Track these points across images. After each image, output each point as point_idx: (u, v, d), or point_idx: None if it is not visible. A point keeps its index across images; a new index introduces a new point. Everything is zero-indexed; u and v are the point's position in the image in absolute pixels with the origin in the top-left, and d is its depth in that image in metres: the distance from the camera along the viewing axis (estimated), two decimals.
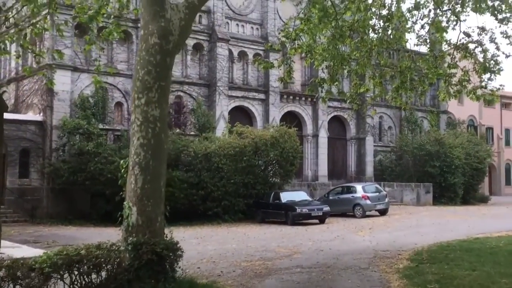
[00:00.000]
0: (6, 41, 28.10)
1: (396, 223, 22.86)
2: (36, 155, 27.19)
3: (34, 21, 25.00)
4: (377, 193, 26.88)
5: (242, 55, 34.77)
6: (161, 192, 8.64)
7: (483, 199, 42.13)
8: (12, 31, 28.99)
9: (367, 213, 26.31)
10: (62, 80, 27.41)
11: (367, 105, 39.03)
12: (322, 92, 15.35)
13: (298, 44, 15.11)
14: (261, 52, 35.13)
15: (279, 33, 16.58)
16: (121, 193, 9.40)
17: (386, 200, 26.91)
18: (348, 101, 16.85)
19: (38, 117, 27.55)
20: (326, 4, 13.96)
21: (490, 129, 56.82)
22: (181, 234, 20.92)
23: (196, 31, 32.37)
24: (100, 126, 27.76)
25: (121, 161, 9.64)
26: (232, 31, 34.30)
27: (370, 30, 15.48)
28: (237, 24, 34.83)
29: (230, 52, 33.68)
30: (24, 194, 26.57)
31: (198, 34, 32.52)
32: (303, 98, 37.09)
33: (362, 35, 14.95)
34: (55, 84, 12.86)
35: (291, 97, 36.51)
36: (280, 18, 35.08)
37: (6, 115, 28.83)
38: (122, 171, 9.42)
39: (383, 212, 26.87)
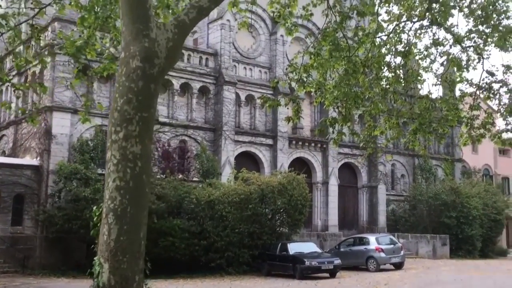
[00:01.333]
0: (6, 84, 27.15)
1: (414, 278, 20.99)
2: (30, 201, 25.77)
3: (32, 64, 23.91)
4: (392, 245, 25.06)
5: (250, 99, 33.70)
6: (140, 246, 7.14)
7: (501, 252, 40.02)
8: (13, 74, 28.17)
9: (382, 266, 24.45)
10: (61, 123, 26.35)
11: (380, 150, 37.83)
12: (333, 133, 13.91)
13: (306, 81, 13.85)
14: (269, 96, 33.95)
15: (286, 69, 15.30)
16: (92, 246, 7.89)
17: (402, 252, 25.05)
18: (362, 144, 15.40)
19: (35, 162, 26.30)
20: (337, 37, 12.76)
21: (506, 179, 54.88)
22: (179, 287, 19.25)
23: (202, 74, 31.47)
24: (99, 171, 26.41)
25: (94, 208, 8.21)
26: (239, 74, 33.36)
27: (385, 68, 14.26)
28: (245, 68, 33.90)
29: (237, 96, 32.63)
30: (17, 243, 25.01)
31: (205, 77, 31.58)
32: (313, 144, 35.74)
33: (377, 71, 13.69)
34: (37, 123, 11.51)
35: (300, 143, 35.17)
36: (289, 61, 34.09)
37: (1, 159, 27.90)
38: (95, 219, 7.97)
39: (398, 266, 24.98)
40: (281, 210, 26.02)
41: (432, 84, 16.39)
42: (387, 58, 14.22)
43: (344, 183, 37.41)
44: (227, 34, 32.39)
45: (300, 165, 33.68)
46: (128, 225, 7.00)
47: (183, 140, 30.49)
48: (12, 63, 30.40)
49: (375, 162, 38.15)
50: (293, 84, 14.11)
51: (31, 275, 23.53)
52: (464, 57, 14.57)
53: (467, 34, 14.07)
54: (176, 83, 30.45)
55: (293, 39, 34.97)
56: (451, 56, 14.52)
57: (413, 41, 14.41)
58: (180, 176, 26.38)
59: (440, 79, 15.21)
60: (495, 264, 29.24)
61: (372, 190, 38.24)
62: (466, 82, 15.12)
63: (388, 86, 14.54)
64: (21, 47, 10.97)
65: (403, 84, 14.96)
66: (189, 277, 23.60)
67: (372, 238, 25.23)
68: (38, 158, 26.34)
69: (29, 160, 26.70)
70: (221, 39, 32.13)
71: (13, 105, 29.92)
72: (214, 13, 32.81)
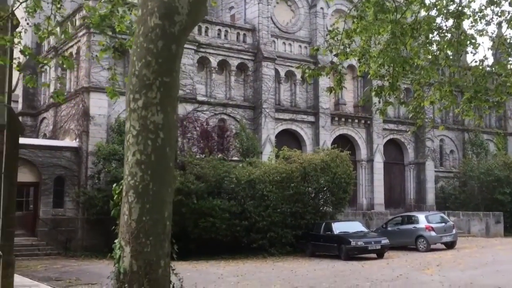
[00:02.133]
0: (47, 67, 26.88)
1: (468, 258, 19.73)
2: (71, 183, 25.66)
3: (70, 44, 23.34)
4: (443, 224, 23.72)
5: (290, 75, 32.60)
6: (166, 227, 6.36)
7: None
8: (50, 55, 27.94)
9: (432, 246, 23.21)
10: (99, 104, 26.01)
11: (431, 123, 36.21)
12: (379, 103, 12.78)
13: (349, 48, 12.76)
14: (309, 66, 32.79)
15: (326, 35, 14.15)
16: (113, 227, 7.19)
17: (454, 231, 23.70)
18: (411, 115, 14.18)
19: (74, 143, 26.10)
20: None
21: None
22: (220, 271, 18.61)
23: (240, 50, 30.55)
24: None
25: (114, 185, 7.48)
26: (278, 50, 32.26)
27: (436, 31, 12.99)
28: (284, 43, 32.76)
29: (277, 72, 31.58)
30: (58, 225, 24.99)
31: (242, 53, 30.66)
32: (356, 120, 34.43)
33: (427, 34, 12.45)
34: (63, 99, 10.85)
35: (343, 119, 33.92)
36: (330, 27, 32.73)
37: (41, 141, 27.80)
38: (115, 197, 7.23)
39: (450, 245, 23.67)
40: (325, 189, 25.06)
41: (488, 48, 15.03)
42: (438, 20, 12.95)
43: (390, 160, 36.03)
44: (265, 9, 31.27)
45: (344, 142, 32.45)
46: (150, 203, 6.22)
47: (222, 119, 29.78)
48: (49, 45, 30.33)
49: (422, 138, 36.58)
50: (335, 51, 13.04)
51: (73, 257, 23.46)
52: None
53: None
54: (214, 61, 29.65)
55: (334, 11, 33.60)
56: (510, 15, 13.13)
57: (467, 1, 13.09)
58: (220, 155, 25.65)
59: (496, 42, 13.86)
60: None
61: (419, 167, 36.73)
62: None
63: (439, 52, 13.30)
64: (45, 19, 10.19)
65: (456, 49, 13.65)
66: (231, 258, 23.02)
67: (421, 216, 23.94)
68: (77, 140, 26.13)
69: (68, 142, 26.55)
70: (259, 14, 31.05)
71: (52, 87, 29.89)
72: None
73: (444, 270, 16.68)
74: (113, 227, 7.12)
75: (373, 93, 12.40)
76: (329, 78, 33.50)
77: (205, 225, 22.87)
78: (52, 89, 29.91)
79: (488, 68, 13.95)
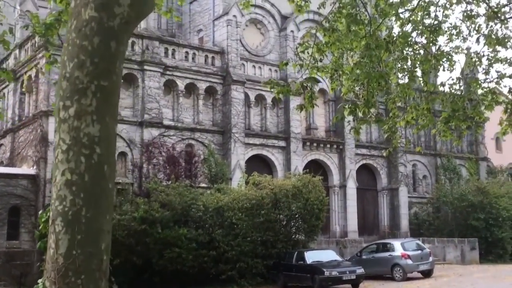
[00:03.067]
0: (5, 90, 25.40)
1: None
2: (27, 214, 24.02)
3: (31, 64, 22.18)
4: (419, 251, 22.83)
5: (260, 99, 31.76)
6: (102, 262, 5.18)
7: None
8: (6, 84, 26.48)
9: (409, 275, 22.25)
10: None
11: (407, 142, 35.60)
12: (354, 121, 11.90)
13: (321, 63, 11.94)
14: (281, 96, 32.00)
15: (296, 48, 13.25)
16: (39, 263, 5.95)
17: (431, 259, 22.81)
18: (386, 135, 13.33)
19: (31, 171, 24.57)
20: (357, 6, 10.80)
21: None
22: None
23: (209, 73, 29.62)
24: None
25: (39, 212, 6.29)
26: (248, 73, 31.46)
27: (411, 47, 12.26)
28: (254, 66, 31.99)
29: (247, 96, 30.71)
30: (13, 258, 23.22)
31: (211, 76, 29.73)
32: (328, 145, 33.66)
33: (403, 47, 11.69)
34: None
35: (314, 144, 33.10)
36: (300, 59, 32.10)
37: None
38: (41, 227, 6.03)
39: (427, 274, 22.77)
40: (296, 216, 24.03)
41: (464, 66, 14.40)
42: (414, 35, 12.23)
43: (363, 185, 35.26)
44: (234, 31, 30.51)
45: (316, 167, 31.57)
46: (83, 234, 5.06)
47: (189, 144, 28.62)
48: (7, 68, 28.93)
49: (395, 163, 36.01)
50: (305, 67, 12.20)
51: None
52: (501, 31, 12.54)
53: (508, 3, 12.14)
54: (181, 84, 28.63)
55: (305, 35, 33.05)
56: (487, 30, 12.48)
57: (442, 15, 12.43)
58: (186, 182, 24.41)
59: (474, 59, 13.18)
60: None
61: (392, 193, 36.04)
62: (504, 62, 13.04)
63: (414, 68, 12.57)
64: None
65: (433, 65, 12.92)
66: None
67: (397, 244, 23.01)
68: (35, 167, 24.62)
69: (25, 169, 24.99)
70: (228, 36, 30.26)
71: (9, 112, 28.45)
72: (220, 9, 31.07)
73: None
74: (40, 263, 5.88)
75: (347, 112, 11.54)
76: (299, 102, 32.92)
77: (170, 256, 21.51)
78: (9, 114, 28.50)
79: (462, 87, 13.28)
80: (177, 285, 22.22)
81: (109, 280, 5.50)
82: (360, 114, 11.78)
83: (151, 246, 21.57)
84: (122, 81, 25.61)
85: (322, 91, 34.40)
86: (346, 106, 11.72)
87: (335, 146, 33.87)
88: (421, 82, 13.08)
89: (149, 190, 23.17)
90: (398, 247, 22.66)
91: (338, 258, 22.15)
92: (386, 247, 23.56)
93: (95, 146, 5.20)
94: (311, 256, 21.40)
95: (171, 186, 23.08)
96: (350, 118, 12.20)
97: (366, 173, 36.13)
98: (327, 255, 22.04)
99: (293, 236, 24.52)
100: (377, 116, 11.97)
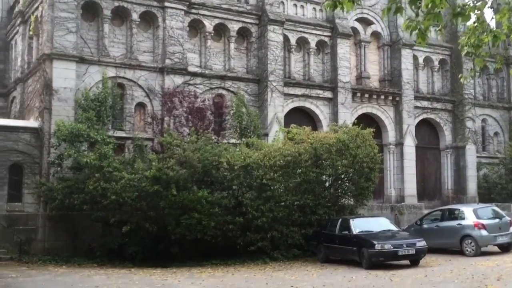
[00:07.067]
0: (16, 37, 21.99)
1: None
2: (31, 172, 20.96)
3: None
4: (497, 220, 18.20)
5: (302, 43, 27.40)
6: None
7: None
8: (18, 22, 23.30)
9: (483, 249, 17.81)
10: (64, 75, 21.24)
11: (468, 103, 30.59)
12: (417, 16, 7.53)
13: None
14: (326, 39, 27.60)
15: None
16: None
17: (511, 230, 18.21)
18: (466, 49, 8.84)
19: (33, 123, 21.43)
20: None
21: None
22: (195, 284, 13.68)
23: (242, 12, 25.48)
24: (110, 132, 21.23)
25: None
26: (288, 12, 27.08)
27: None
28: (295, 5, 27.55)
29: (286, 39, 26.42)
30: (15, 223, 20.34)
31: (244, 16, 25.56)
32: (383, 97, 29.03)
33: None
34: None
35: (366, 95, 28.53)
36: None
37: None
38: None
39: (506, 248, 18.21)
40: (342, 176, 19.91)
41: None
42: None
43: (423, 143, 30.57)
44: None
45: (368, 122, 26.82)
46: None
47: (219, 94, 24.78)
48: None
49: (461, 118, 31.05)
50: None
51: (27, 263, 18.81)
52: None
53: None
54: (209, 24, 24.62)
55: None
56: None
57: None
58: (208, 135, 20.60)
59: None
60: None
61: (458, 152, 31.13)
62: None
63: None
64: None
65: None
66: (223, 264, 18.14)
67: (468, 210, 18.40)
68: (39, 119, 21.44)
69: (26, 122, 21.88)
70: None
71: (19, 60, 25.40)
72: None
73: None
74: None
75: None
76: (349, 47, 28.32)
77: (188, 222, 17.97)
78: (19, 62, 25.45)
79: None
80: (200, 257, 18.74)
81: None
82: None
83: (166, 210, 18.08)
84: (139, 20, 21.67)
85: (376, 35, 29.66)
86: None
87: (390, 98, 29.20)
88: None
89: (162, 144, 19.58)
90: (469, 214, 18.09)
91: (393, 227, 17.87)
92: (453, 215, 19.02)
93: None
94: (359, 225, 17.22)
95: (190, 140, 19.33)
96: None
97: (427, 129, 31.35)
98: (379, 223, 17.80)
99: (339, 201, 20.48)
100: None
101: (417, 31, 7.14)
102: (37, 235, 20.59)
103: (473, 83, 31.70)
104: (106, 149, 19.20)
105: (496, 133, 33.21)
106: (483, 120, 32.79)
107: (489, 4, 8.86)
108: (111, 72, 22.24)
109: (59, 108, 20.97)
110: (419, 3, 6.79)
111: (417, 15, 6.94)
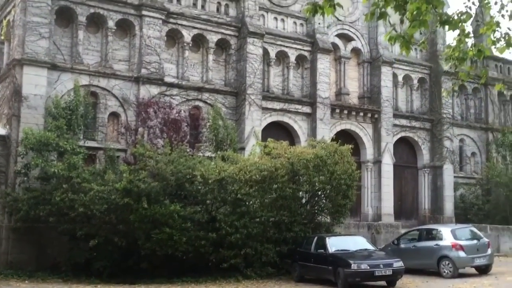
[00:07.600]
0: None
1: None
2: None
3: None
4: (475, 241, 17.90)
5: (282, 57, 27.07)
6: None
7: None
8: None
9: (460, 270, 17.45)
10: (35, 81, 20.48)
11: (447, 122, 30.49)
12: (402, 23, 7.12)
13: None
14: (306, 54, 27.30)
15: None
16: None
17: (489, 251, 17.86)
18: (450, 63, 8.48)
19: (1, 130, 20.59)
20: None
21: None
22: None
23: (221, 24, 25.05)
24: (81, 142, 20.47)
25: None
26: (268, 26, 26.76)
27: None
28: (275, 18, 27.23)
29: (266, 52, 26.06)
30: None
31: (224, 27, 25.14)
32: (361, 114, 28.77)
33: None
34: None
35: (345, 111, 28.25)
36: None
37: None
38: None
39: (484, 270, 17.91)
40: (319, 192, 19.44)
41: None
42: None
43: (401, 162, 30.35)
44: None
45: (346, 139, 26.45)
46: None
47: (196, 106, 24.23)
48: None
49: (439, 137, 30.96)
50: None
51: None
52: None
53: None
54: (187, 35, 24.13)
55: None
56: None
57: None
58: (189, 149, 19.96)
59: None
60: None
61: (436, 171, 30.98)
62: None
63: None
64: None
65: None
66: (194, 281, 17.47)
67: (446, 231, 18.06)
68: (6, 126, 20.62)
69: None
70: None
71: None
72: None
73: None
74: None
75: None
76: (329, 62, 28.08)
77: (159, 237, 17.26)
78: None
79: None
80: (169, 273, 18.03)
81: None
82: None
83: (136, 224, 17.37)
84: (115, 28, 21.04)
85: (356, 51, 29.50)
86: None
87: (369, 115, 28.98)
88: None
89: (134, 155, 18.92)
90: (447, 234, 17.76)
91: (369, 246, 17.44)
92: (431, 235, 18.69)
93: None
94: (335, 243, 16.74)
95: (164, 152, 18.71)
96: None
97: (405, 147, 31.17)
98: (355, 242, 17.35)
99: (315, 218, 20.00)
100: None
101: (401, 39, 6.73)
102: (0, 248, 19.65)
103: (451, 102, 31.73)
104: (76, 159, 18.45)
105: (473, 154, 33.19)
106: (461, 140, 32.75)
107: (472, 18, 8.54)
108: (84, 80, 21.58)
109: (28, 116, 20.18)
110: (404, 9, 6.38)
111: (402, 22, 6.54)
